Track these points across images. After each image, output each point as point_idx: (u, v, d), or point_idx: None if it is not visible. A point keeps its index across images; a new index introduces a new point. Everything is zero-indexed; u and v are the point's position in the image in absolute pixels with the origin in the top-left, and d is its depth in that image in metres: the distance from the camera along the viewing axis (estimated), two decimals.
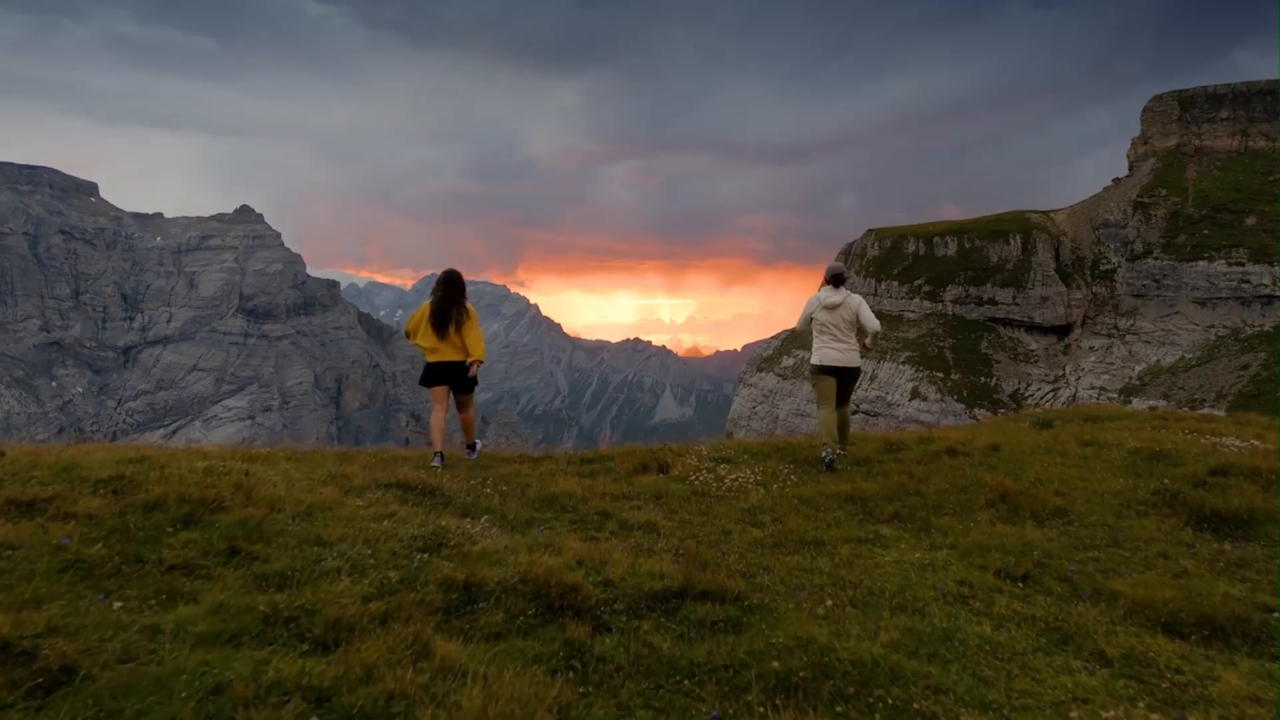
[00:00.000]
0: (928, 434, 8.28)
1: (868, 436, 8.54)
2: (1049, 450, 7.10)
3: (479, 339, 7.74)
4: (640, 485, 5.89)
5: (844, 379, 8.07)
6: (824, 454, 7.64)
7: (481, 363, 7.78)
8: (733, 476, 6.09)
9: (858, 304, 8.05)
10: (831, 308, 7.97)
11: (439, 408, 7.78)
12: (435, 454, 7.41)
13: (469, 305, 7.76)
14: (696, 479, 6.08)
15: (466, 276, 7.79)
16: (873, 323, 8.03)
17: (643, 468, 6.48)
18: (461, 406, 8.01)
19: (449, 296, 7.56)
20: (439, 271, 7.96)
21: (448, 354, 7.59)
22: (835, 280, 8.14)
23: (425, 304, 7.81)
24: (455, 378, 7.66)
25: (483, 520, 4.45)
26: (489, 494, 5.33)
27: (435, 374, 7.64)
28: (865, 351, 8.16)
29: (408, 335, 7.79)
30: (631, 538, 4.40)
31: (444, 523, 4.13)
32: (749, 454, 7.35)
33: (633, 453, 7.11)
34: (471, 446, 8.02)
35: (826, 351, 8.00)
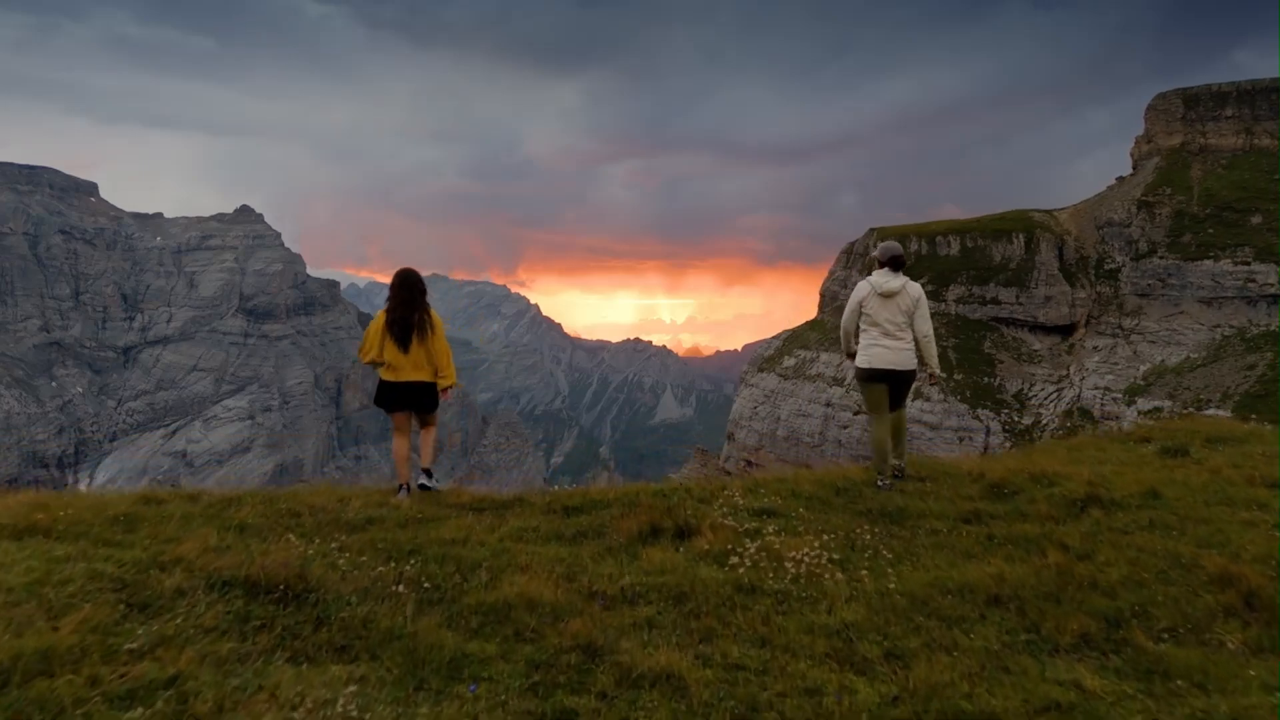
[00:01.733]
0: (1035, 466, 6.32)
1: (954, 470, 6.60)
2: (1227, 497, 5.20)
3: (448, 356, 6.56)
4: (650, 569, 3.92)
5: (897, 384, 6.57)
6: (879, 483, 6.22)
7: (454, 387, 6.67)
8: (794, 554, 4.07)
9: (919, 294, 6.56)
10: (888, 295, 6.46)
11: (401, 435, 6.70)
12: (400, 486, 6.21)
13: (433, 312, 6.55)
14: (738, 556, 4.08)
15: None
16: (927, 324, 6.57)
17: (652, 531, 4.50)
18: (424, 424, 6.88)
19: (410, 301, 6.34)
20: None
21: (410, 373, 6.41)
22: (894, 263, 6.62)
23: (379, 315, 6.53)
24: (419, 400, 6.55)
25: (361, 678, 2.49)
26: (401, 595, 3.32)
27: (396, 397, 6.49)
28: (932, 382, 6.73)
29: (361, 355, 6.54)
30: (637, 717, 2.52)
31: None
32: (800, 499, 5.48)
33: (636, 500, 5.22)
34: (427, 473, 6.63)
35: (876, 350, 6.48)
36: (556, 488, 6.24)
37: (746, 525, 4.73)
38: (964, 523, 5.06)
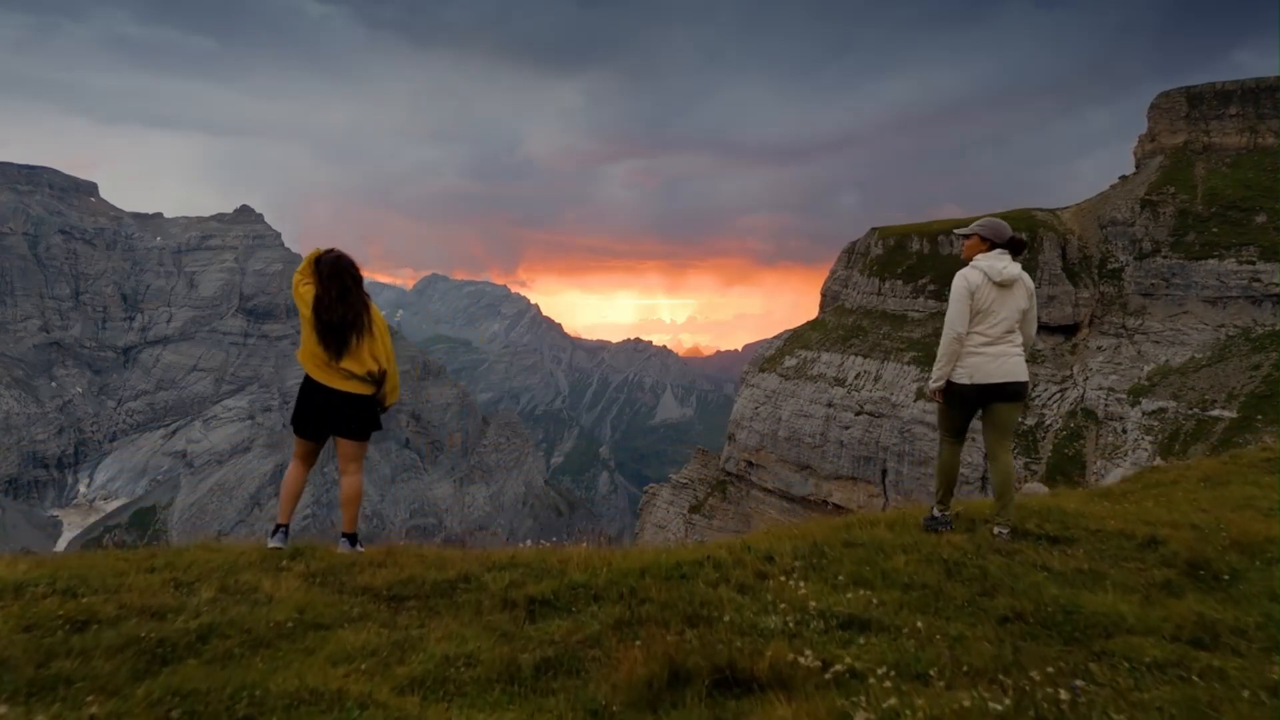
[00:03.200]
0: (1233, 530, 4.60)
1: (1090, 524, 4.97)
2: None
3: (392, 362, 5.10)
4: None
5: (1002, 398, 5.09)
6: (935, 513, 5.11)
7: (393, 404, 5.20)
8: None
9: (1033, 289, 5.24)
10: (1005, 285, 5.05)
11: (300, 465, 5.17)
12: (276, 528, 4.89)
13: (373, 306, 5.10)
14: None
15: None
16: (1033, 327, 5.26)
17: (673, 676, 2.69)
18: (347, 464, 5.15)
19: (345, 295, 4.92)
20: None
21: (340, 380, 4.92)
22: (1013, 246, 5.20)
23: (306, 262, 5.06)
24: (348, 420, 5.00)
25: None
26: None
27: (318, 412, 4.97)
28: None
29: (295, 292, 5.06)
30: None
31: None
32: (897, 586, 3.74)
33: (641, 592, 3.58)
34: (349, 539, 5.08)
35: (977, 360, 5.03)
36: (526, 546, 4.77)
37: (836, 660, 2.79)
38: (1196, 646, 3.03)
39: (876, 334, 67.40)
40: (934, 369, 5.26)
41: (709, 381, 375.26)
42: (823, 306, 77.29)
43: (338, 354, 4.88)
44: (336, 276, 4.94)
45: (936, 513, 5.19)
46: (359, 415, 5.03)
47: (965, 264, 5.28)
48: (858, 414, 61.99)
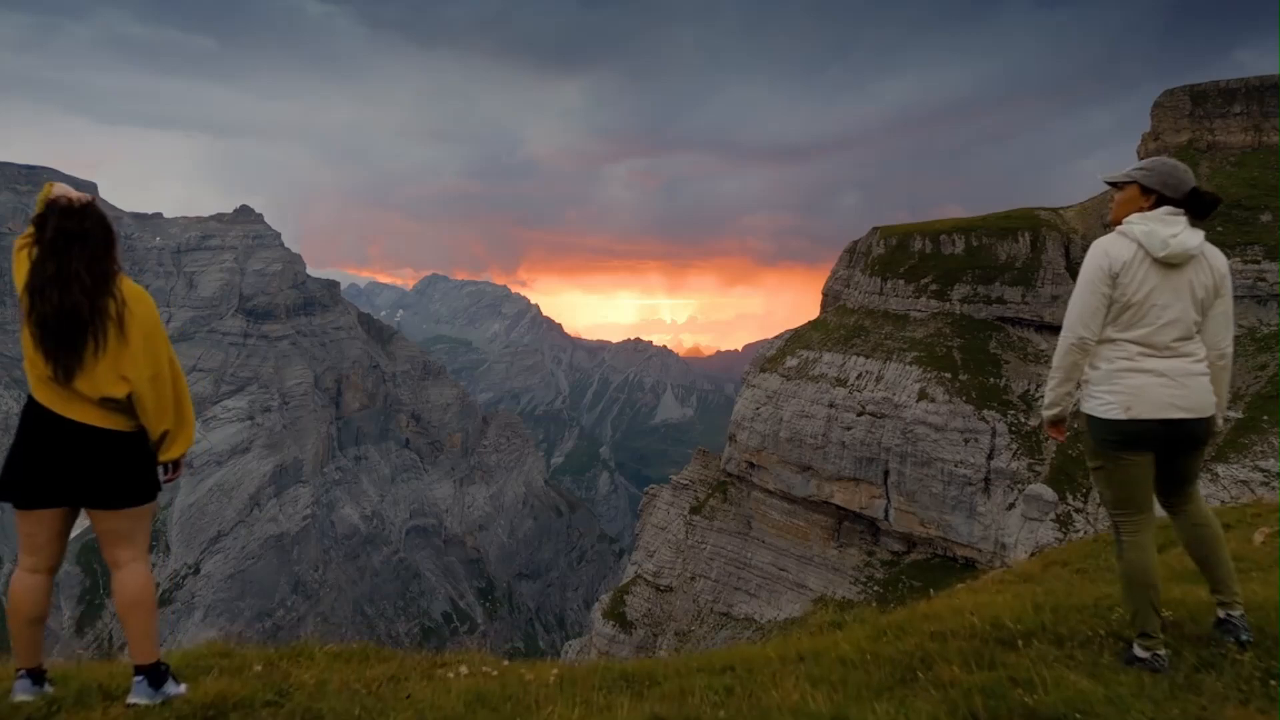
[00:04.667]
0: None
1: None
2: None
3: (160, 382, 3.01)
4: None
5: (1181, 447, 3.33)
6: (1137, 650, 3.24)
7: (182, 460, 3.15)
8: None
9: (1225, 270, 3.37)
10: (1176, 264, 3.24)
11: (32, 561, 2.98)
12: (19, 673, 2.99)
13: (132, 290, 3.05)
14: None
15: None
16: (1229, 331, 3.36)
17: None
18: (116, 551, 3.04)
19: (60, 273, 2.86)
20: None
21: (76, 403, 2.92)
22: (1196, 204, 3.35)
23: (37, 208, 3.03)
24: (95, 472, 2.96)
25: None
26: None
27: (44, 459, 2.92)
28: (1211, 429, 3.36)
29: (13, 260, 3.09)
30: None
31: None
32: None
33: None
34: (147, 676, 2.97)
35: (1140, 380, 3.25)
36: (479, 654, 3.31)
37: None
38: None
39: (878, 334, 66.99)
40: (1046, 390, 3.53)
41: (709, 381, 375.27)
42: (824, 306, 76.88)
43: (66, 370, 2.86)
44: (56, 238, 2.87)
45: (1140, 651, 3.22)
46: (116, 465, 2.95)
47: (1111, 230, 3.46)
48: (860, 414, 61.53)
